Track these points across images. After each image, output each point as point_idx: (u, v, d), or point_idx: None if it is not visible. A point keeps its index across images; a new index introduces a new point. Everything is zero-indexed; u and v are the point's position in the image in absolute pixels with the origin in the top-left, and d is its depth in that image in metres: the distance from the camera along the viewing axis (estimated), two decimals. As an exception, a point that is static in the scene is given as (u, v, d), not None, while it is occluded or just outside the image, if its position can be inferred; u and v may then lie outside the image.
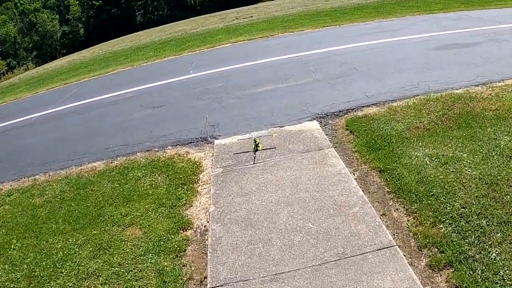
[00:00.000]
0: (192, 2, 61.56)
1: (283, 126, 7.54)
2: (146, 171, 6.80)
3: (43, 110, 12.69)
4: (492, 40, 11.14)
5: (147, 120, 9.45)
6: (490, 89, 7.71)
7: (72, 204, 6.27)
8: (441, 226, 4.45)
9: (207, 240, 4.86)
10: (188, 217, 5.38)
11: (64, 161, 8.16)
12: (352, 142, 6.58)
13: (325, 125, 7.40)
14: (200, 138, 7.80)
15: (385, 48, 11.83)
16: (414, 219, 4.65)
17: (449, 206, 4.68)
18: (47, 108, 12.90)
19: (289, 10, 27.55)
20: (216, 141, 7.41)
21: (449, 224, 4.45)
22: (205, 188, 5.97)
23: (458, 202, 4.72)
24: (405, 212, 4.80)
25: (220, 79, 11.75)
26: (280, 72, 11.15)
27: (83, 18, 66.16)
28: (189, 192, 5.90)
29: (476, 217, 4.46)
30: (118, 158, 7.67)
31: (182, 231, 5.11)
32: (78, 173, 7.42)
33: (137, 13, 63.22)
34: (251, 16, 28.07)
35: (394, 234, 4.48)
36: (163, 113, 9.74)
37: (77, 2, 68.28)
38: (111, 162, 7.55)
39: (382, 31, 14.42)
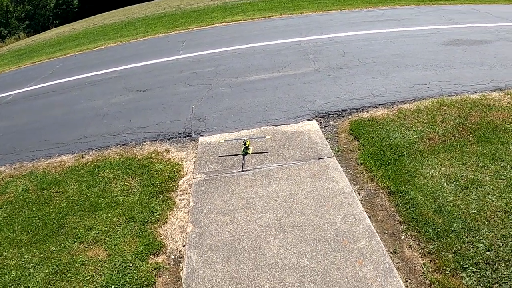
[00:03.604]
0: (189, -24, 59.98)
1: (277, 125, 6.65)
2: (118, 172, 5.92)
3: (22, 87, 12.03)
4: (503, 39, 10.27)
5: (128, 107, 8.55)
6: (509, 96, 6.86)
7: (34, 209, 5.40)
8: (464, 275, 3.62)
9: (181, 270, 4.03)
10: (161, 237, 4.51)
11: (33, 151, 7.34)
12: (356, 151, 5.69)
13: (325, 126, 6.52)
14: (183, 133, 6.91)
15: (390, 39, 10.93)
16: (431, 262, 3.81)
17: (473, 248, 3.85)
18: (27, 84, 12.26)
19: (288, -9, 26.51)
20: (200, 139, 6.52)
21: (473, 273, 3.63)
22: (183, 200, 5.10)
23: (483, 242, 3.89)
24: (420, 251, 3.95)
25: (210, 62, 10.88)
26: (276, 59, 10.27)
27: (77, -12, 64.47)
28: (164, 204, 5.02)
29: (504, 265, 3.65)
30: (91, 152, 6.79)
31: (152, 257, 4.25)
32: (45, 167, 6.55)
33: (132, -15, 61.63)
34: (249, -5, 26.99)
35: (407, 281, 3.65)
36: (146, 98, 8.84)
37: (72, -30, 66.29)
38: (82, 157, 6.66)
39: (387, 20, 13.63)
